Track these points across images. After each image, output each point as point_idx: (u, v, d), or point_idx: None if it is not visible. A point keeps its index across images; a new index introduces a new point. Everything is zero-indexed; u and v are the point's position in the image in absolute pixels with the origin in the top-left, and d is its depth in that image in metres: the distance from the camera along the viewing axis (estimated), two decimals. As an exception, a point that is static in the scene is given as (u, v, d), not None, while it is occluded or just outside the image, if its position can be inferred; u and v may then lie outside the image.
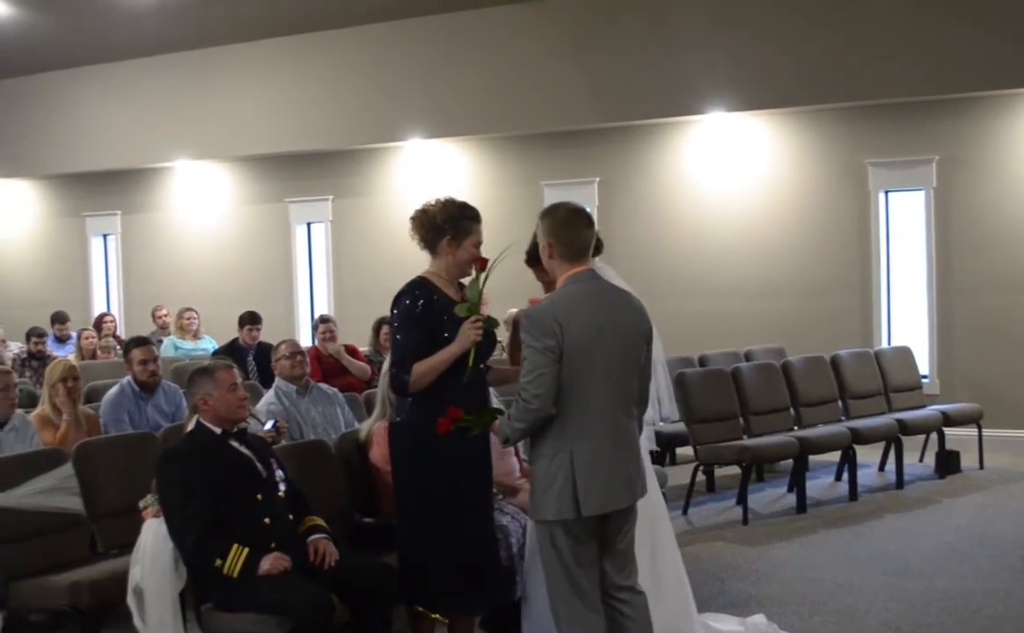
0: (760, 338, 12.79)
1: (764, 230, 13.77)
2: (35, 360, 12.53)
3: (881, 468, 11.12)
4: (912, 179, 13.07)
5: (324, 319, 11.37)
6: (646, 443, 5.84)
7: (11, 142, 18.24)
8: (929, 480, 10.80)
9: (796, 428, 10.46)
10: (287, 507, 5.71)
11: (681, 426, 9.77)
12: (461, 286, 5.67)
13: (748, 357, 11.83)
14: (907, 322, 13.23)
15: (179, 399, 8.50)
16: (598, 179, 14.60)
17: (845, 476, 10.31)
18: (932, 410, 11.27)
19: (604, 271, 5.70)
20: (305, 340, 14.03)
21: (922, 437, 11.28)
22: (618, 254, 5.76)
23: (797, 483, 9.87)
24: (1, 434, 7.36)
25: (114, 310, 17.81)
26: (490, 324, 5.53)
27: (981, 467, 11.10)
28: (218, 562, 5.34)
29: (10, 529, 6.16)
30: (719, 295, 13.86)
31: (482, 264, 5.53)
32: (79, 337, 13.72)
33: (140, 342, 8.84)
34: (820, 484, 10.61)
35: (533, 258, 5.59)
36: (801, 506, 9.68)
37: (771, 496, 10.29)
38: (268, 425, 7.28)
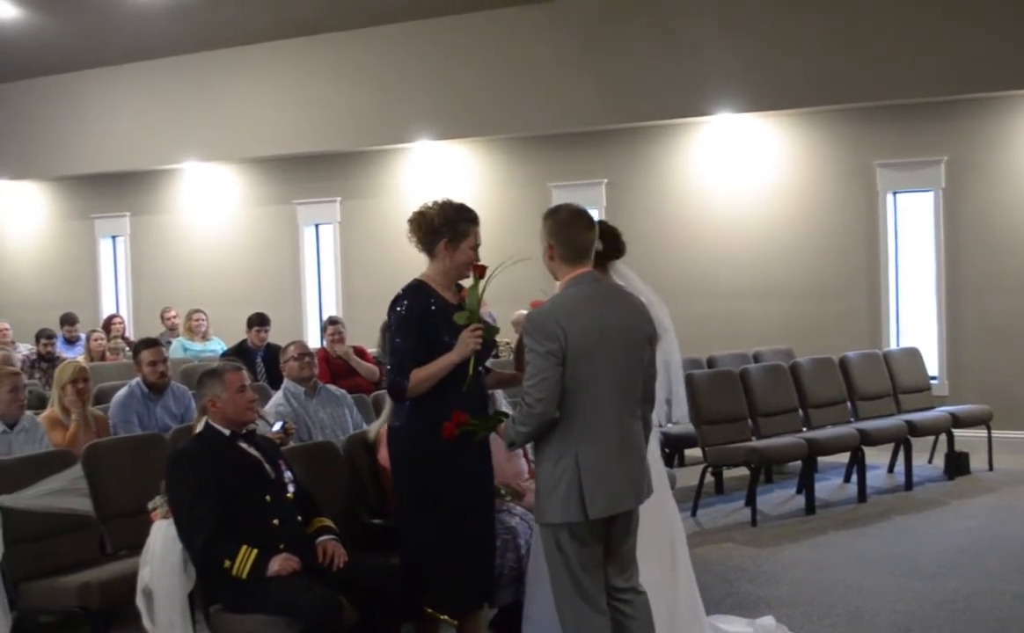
0: (768, 339, 12.77)
1: (772, 231, 13.75)
2: (44, 361, 12.56)
3: (890, 470, 11.11)
4: (921, 180, 13.06)
5: (333, 321, 11.39)
6: (655, 444, 5.83)
7: (20, 144, 18.28)
8: (938, 482, 10.78)
9: (805, 429, 10.44)
10: (296, 508, 5.71)
11: (689, 427, 9.76)
12: (459, 288, 5.66)
13: (756, 358, 11.81)
14: (916, 323, 13.21)
15: (188, 400, 8.51)
16: (606, 180, 14.60)
17: (854, 478, 10.29)
18: (941, 411, 11.25)
19: (626, 275, 5.71)
20: (313, 342, 14.05)
21: (931, 438, 11.26)
22: (626, 255, 5.76)
23: (806, 485, 9.86)
24: (11, 435, 7.37)
25: (123, 312, 17.84)
26: (489, 333, 5.51)
27: (990, 468, 11.07)
28: (227, 563, 5.34)
29: (20, 530, 6.17)
30: (727, 296, 13.85)
31: (481, 272, 5.51)
32: (88, 339, 13.75)
33: (149, 343, 8.84)
34: (829, 486, 10.59)
35: None
36: (810, 508, 9.66)
37: (780, 498, 10.28)
38: (277, 426, 7.28)
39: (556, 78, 14.15)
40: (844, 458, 10.63)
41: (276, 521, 5.54)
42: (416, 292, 5.55)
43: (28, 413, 7.65)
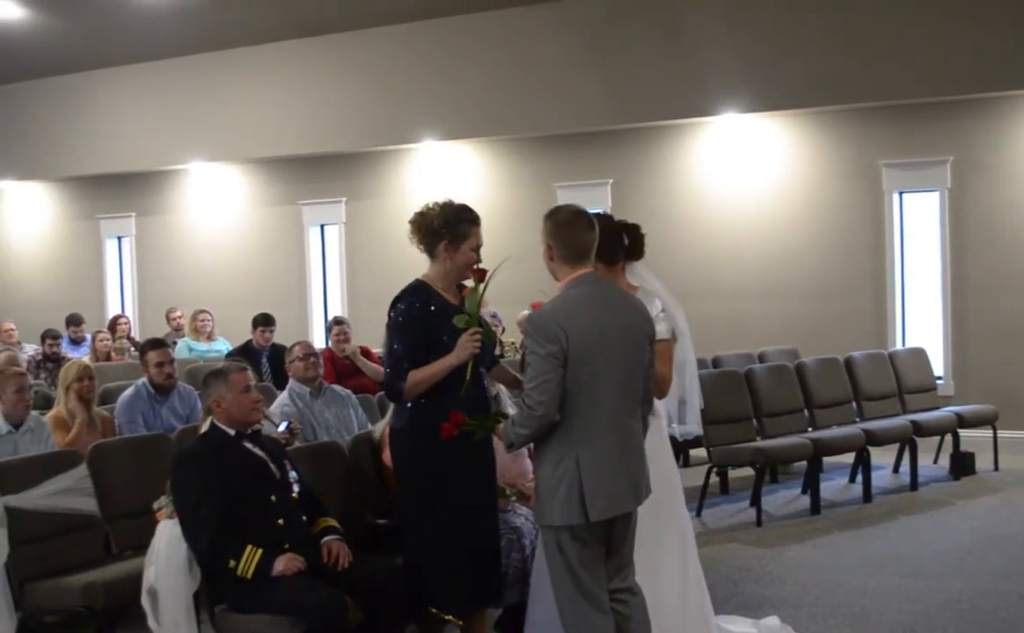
0: (774, 339, 12.76)
1: (778, 231, 13.75)
2: (50, 362, 12.57)
3: (895, 470, 11.09)
4: (926, 180, 13.05)
5: (338, 321, 11.39)
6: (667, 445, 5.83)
7: (26, 145, 18.31)
8: (944, 482, 10.76)
9: (810, 430, 10.43)
10: (301, 508, 5.72)
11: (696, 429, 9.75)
12: (461, 288, 5.66)
13: (762, 359, 11.81)
14: (921, 323, 13.21)
15: (194, 401, 8.51)
16: (611, 181, 14.60)
17: (859, 478, 10.28)
18: (947, 411, 11.23)
19: (644, 277, 5.70)
20: (318, 342, 14.06)
21: (936, 439, 11.24)
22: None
23: (811, 485, 9.85)
24: (16, 436, 7.39)
25: (128, 312, 17.89)
26: (489, 336, 5.50)
27: (996, 469, 11.05)
28: (232, 563, 5.35)
29: (25, 530, 6.17)
30: (732, 296, 13.84)
31: (480, 275, 5.50)
32: (93, 339, 13.76)
33: (156, 344, 8.85)
34: (834, 486, 10.58)
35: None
36: (815, 508, 9.65)
37: (785, 498, 10.27)
38: (282, 427, 7.29)
39: (562, 78, 14.15)
40: (849, 458, 10.61)
41: (281, 521, 5.55)
42: (416, 293, 5.55)
43: (34, 413, 7.68)
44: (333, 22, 15.34)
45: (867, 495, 10.05)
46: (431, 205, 5.62)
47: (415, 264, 5.80)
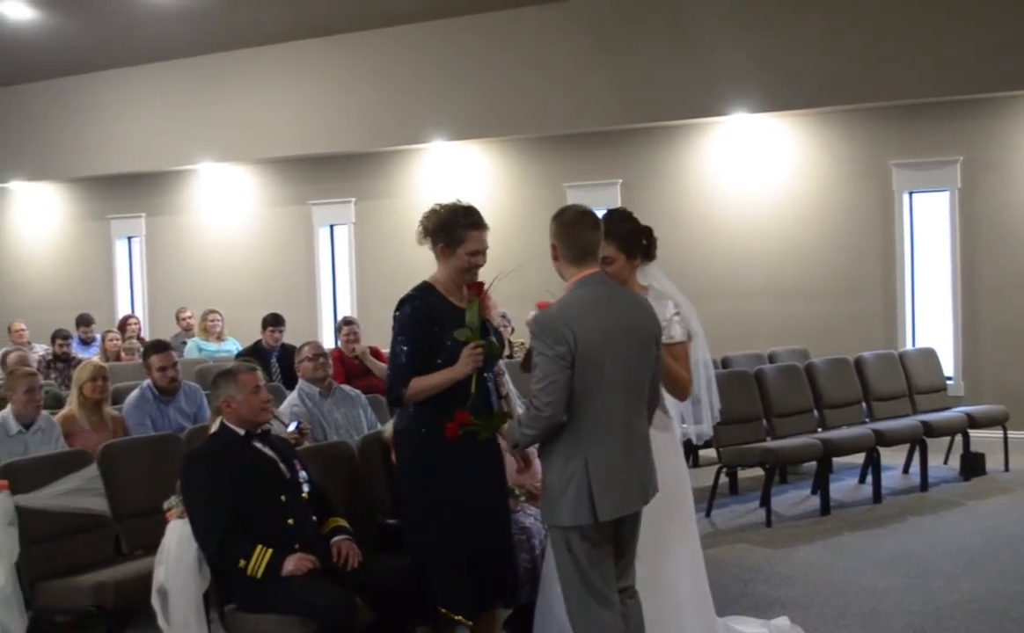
0: (784, 340, 12.75)
1: (787, 231, 13.74)
2: (60, 362, 12.60)
3: (905, 470, 11.07)
4: (936, 180, 13.03)
5: (348, 321, 11.41)
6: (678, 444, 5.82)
7: (36, 145, 18.36)
8: (954, 482, 10.74)
9: (820, 430, 10.42)
10: (310, 508, 5.72)
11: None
12: (470, 287, 5.64)
13: (771, 359, 11.79)
14: (931, 323, 13.19)
15: (200, 399, 8.52)
16: (621, 181, 14.59)
17: (869, 478, 10.26)
18: (957, 412, 11.20)
19: (657, 278, 5.69)
20: (328, 342, 14.08)
21: (947, 439, 11.22)
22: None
23: (821, 485, 9.83)
24: (27, 435, 7.42)
25: (138, 312, 17.93)
26: (491, 348, 5.48)
27: (1007, 469, 11.02)
28: (242, 563, 5.35)
29: (36, 530, 6.20)
30: (742, 297, 13.83)
31: (477, 289, 5.46)
32: (103, 339, 13.80)
33: (158, 348, 8.77)
34: (844, 486, 10.56)
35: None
36: (825, 508, 9.64)
37: (795, 498, 10.25)
38: (291, 427, 7.29)
39: (571, 78, 14.15)
40: (859, 459, 10.59)
41: (291, 521, 5.55)
42: (420, 295, 5.55)
43: (44, 413, 7.70)
44: (342, 22, 15.36)
45: (877, 496, 10.03)
46: (437, 206, 5.62)
47: (425, 264, 5.80)
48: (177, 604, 5.47)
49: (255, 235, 17.50)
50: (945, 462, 11.27)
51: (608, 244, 5.35)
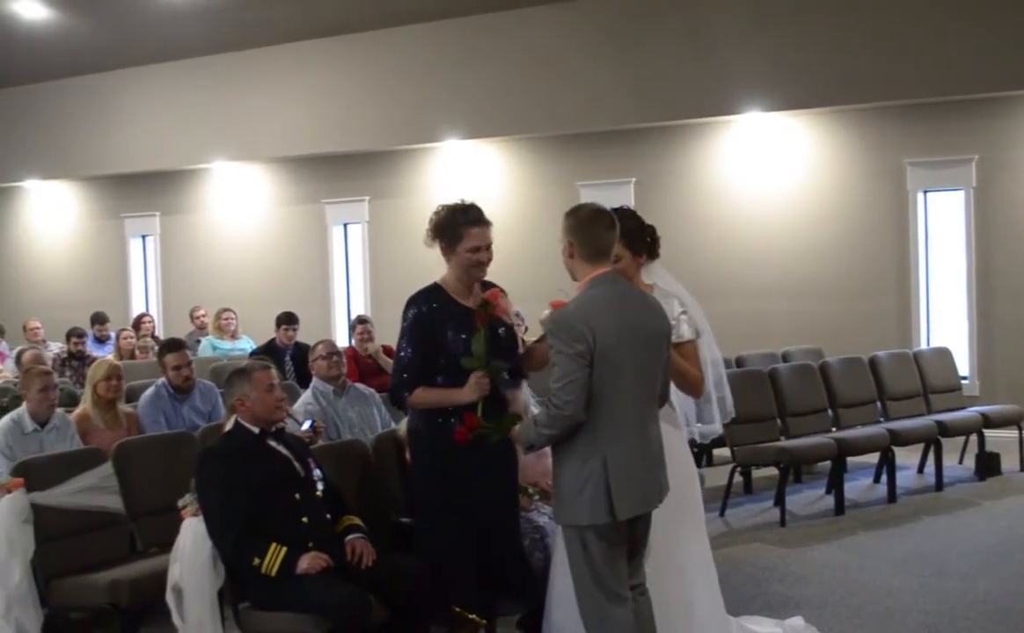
0: (798, 339, 12.72)
1: (801, 230, 13.70)
2: (75, 360, 12.64)
3: (920, 470, 11.04)
4: (951, 179, 12.99)
5: (362, 320, 11.42)
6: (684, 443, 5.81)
7: (51, 144, 18.41)
8: (969, 482, 10.70)
9: (834, 429, 10.39)
10: (325, 506, 5.73)
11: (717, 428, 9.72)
12: (485, 287, 5.65)
13: (786, 358, 11.76)
14: (946, 323, 13.14)
15: (215, 397, 8.54)
16: (634, 179, 14.58)
17: (884, 478, 10.23)
18: (972, 411, 11.17)
19: (662, 276, 5.69)
20: (342, 340, 14.09)
21: (962, 439, 11.17)
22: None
23: (835, 485, 9.81)
24: (42, 434, 7.44)
25: (152, 311, 17.97)
26: (496, 375, 5.46)
27: (1022, 469, 10.97)
28: (256, 561, 5.36)
29: (51, 528, 6.23)
30: (756, 296, 13.81)
31: (482, 320, 5.45)
32: (118, 337, 13.83)
33: (173, 346, 8.79)
34: (858, 486, 10.53)
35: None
36: (839, 508, 9.62)
37: (809, 498, 10.23)
38: (306, 425, 7.30)
39: (584, 77, 14.14)
40: (874, 458, 10.56)
41: (305, 519, 5.56)
42: (426, 297, 5.58)
43: (59, 411, 7.72)
44: (355, 21, 15.37)
45: (892, 495, 10.01)
46: (439, 207, 5.64)
47: (438, 263, 5.80)
48: (192, 602, 5.49)
49: (269, 234, 17.53)
50: (960, 462, 11.23)
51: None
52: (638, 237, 5.59)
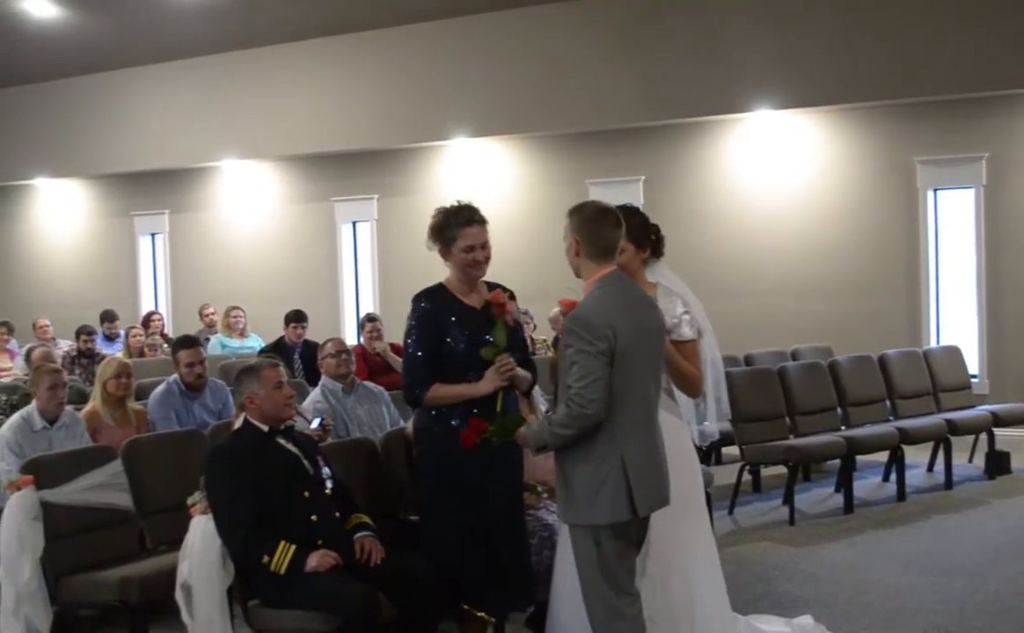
0: (807, 337, 12.70)
1: (811, 228, 13.69)
2: (84, 358, 12.67)
3: (930, 469, 11.01)
4: (961, 177, 12.97)
5: (371, 318, 11.42)
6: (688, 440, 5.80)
7: (61, 143, 18.45)
8: (978, 481, 10.68)
9: (843, 428, 10.38)
10: (334, 504, 5.73)
11: (727, 425, 9.71)
12: (491, 287, 5.67)
13: (795, 356, 11.76)
14: (956, 321, 13.12)
15: (226, 396, 8.54)
16: (643, 177, 14.57)
17: (893, 476, 10.22)
18: (982, 410, 11.14)
19: (666, 275, 5.69)
20: (351, 338, 14.10)
21: (971, 437, 11.15)
22: (664, 252, 5.82)
23: (844, 483, 9.80)
24: (51, 431, 7.45)
25: (162, 308, 17.98)
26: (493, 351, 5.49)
27: (1032, 468, 10.98)
28: (265, 559, 5.36)
29: (61, 525, 6.23)
30: (765, 294, 13.79)
31: (500, 311, 5.50)
32: (127, 335, 13.85)
33: (187, 343, 8.78)
34: (867, 484, 10.52)
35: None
36: (848, 506, 9.60)
37: (818, 496, 10.22)
38: (315, 423, 7.30)
39: (593, 75, 14.14)
40: (883, 457, 10.55)
41: (314, 517, 5.56)
42: (429, 296, 5.62)
43: (68, 409, 7.73)
44: (364, 20, 15.38)
45: (901, 494, 9.99)
46: (436, 210, 5.71)
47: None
48: (201, 599, 5.49)
49: (278, 232, 17.55)
50: (970, 461, 11.20)
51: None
52: (642, 231, 5.60)
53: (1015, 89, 12.36)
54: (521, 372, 5.58)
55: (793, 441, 9.83)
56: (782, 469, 9.86)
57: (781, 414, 10.05)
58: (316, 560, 5.37)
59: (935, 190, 13.20)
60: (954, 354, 11.74)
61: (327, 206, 17.04)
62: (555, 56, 14.37)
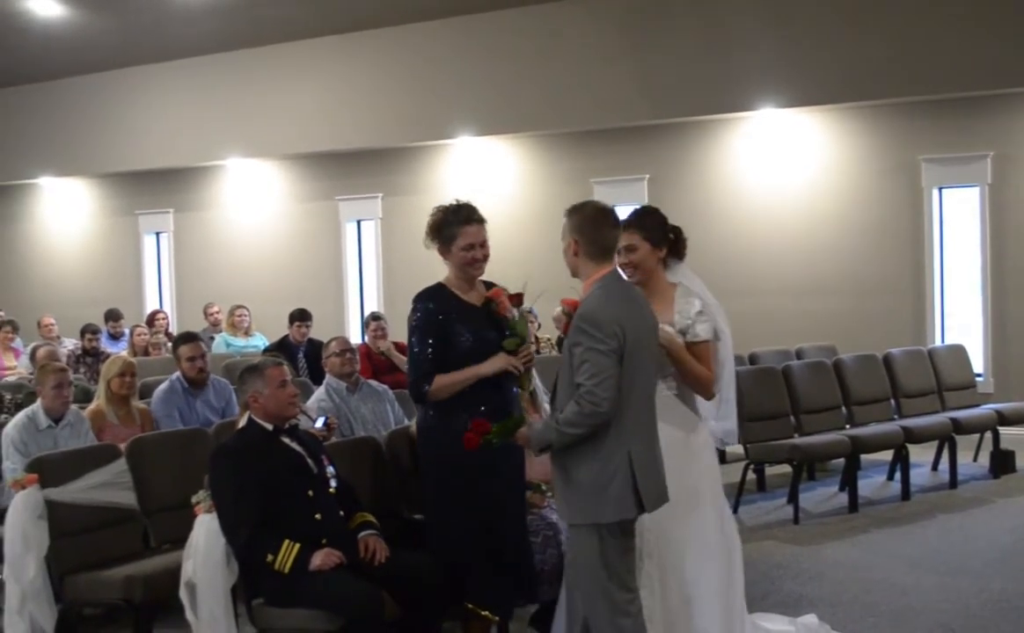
0: (811, 336, 12.70)
1: (816, 227, 13.67)
2: (89, 356, 12.68)
3: (934, 467, 11.01)
4: (966, 175, 12.95)
5: (375, 316, 11.42)
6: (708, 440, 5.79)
7: (65, 141, 18.45)
8: (983, 480, 10.68)
9: (848, 427, 10.38)
10: (338, 503, 5.73)
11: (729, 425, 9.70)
12: (488, 286, 5.67)
13: (799, 355, 11.75)
14: (961, 320, 13.10)
15: (229, 394, 8.55)
16: (648, 176, 14.56)
17: (897, 475, 10.22)
18: (986, 409, 11.14)
19: (689, 278, 5.68)
20: (355, 337, 14.10)
21: (976, 436, 11.15)
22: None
23: (849, 482, 9.80)
24: (56, 430, 7.46)
25: (166, 307, 17.99)
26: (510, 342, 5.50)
27: (1037, 466, 10.97)
28: (269, 557, 5.37)
29: (65, 524, 6.24)
30: (770, 293, 13.78)
31: (516, 300, 5.54)
32: (132, 334, 13.87)
33: (187, 338, 8.82)
34: (872, 483, 10.52)
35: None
36: (853, 505, 9.60)
37: (822, 495, 10.22)
38: (319, 422, 7.31)
39: (597, 73, 14.12)
40: (888, 456, 10.54)
41: (318, 515, 5.57)
42: (430, 295, 5.64)
43: (73, 407, 7.73)
44: (368, 18, 15.38)
45: (906, 493, 9.99)
46: (434, 209, 5.74)
47: (449, 260, 5.82)
48: (205, 598, 5.50)
49: (282, 231, 17.54)
50: (974, 459, 11.20)
51: (631, 233, 5.43)
52: (659, 230, 5.57)
53: (1020, 87, 12.34)
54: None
55: (798, 440, 9.83)
56: (787, 468, 9.87)
57: (786, 413, 10.06)
58: (320, 559, 5.37)
59: (940, 189, 13.18)
60: (959, 353, 11.73)
61: (331, 205, 17.04)
62: (560, 55, 14.36)
